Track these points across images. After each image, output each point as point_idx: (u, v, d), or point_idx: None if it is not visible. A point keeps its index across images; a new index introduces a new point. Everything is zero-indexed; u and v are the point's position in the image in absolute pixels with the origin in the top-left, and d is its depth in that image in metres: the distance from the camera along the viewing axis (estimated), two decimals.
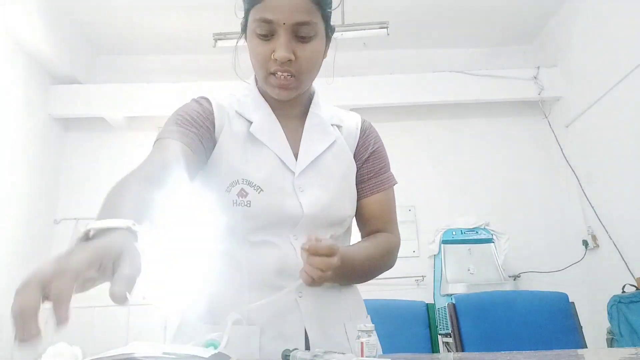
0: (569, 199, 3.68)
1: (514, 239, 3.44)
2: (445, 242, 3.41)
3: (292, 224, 0.86)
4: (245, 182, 0.84)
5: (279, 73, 0.84)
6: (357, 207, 0.99)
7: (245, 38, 0.91)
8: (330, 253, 0.73)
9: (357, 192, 0.99)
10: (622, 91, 3.04)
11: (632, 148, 2.96)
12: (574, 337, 1.88)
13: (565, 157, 3.67)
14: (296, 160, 0.90)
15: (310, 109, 0.98)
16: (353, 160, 0.99)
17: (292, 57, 0.82)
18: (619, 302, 2.72)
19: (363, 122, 1.05)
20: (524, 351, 0.83)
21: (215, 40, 3.06)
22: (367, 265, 0.93)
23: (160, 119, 2.91)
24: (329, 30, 0.93)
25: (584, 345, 1.89)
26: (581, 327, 1.93)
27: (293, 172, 0.88)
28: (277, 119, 0.93)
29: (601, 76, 3.24)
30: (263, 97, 0.94)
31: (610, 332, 2.76)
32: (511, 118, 4.03)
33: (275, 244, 0.85)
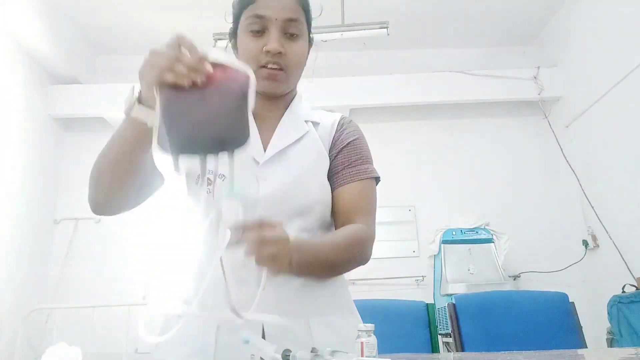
0: (569, 199, 3.67)
1: (514, 239, 3.44)
2: (445, 242, 3.41)
3: (252, 211, 0.86)
4: (210, 173, 0.83)
5: (270, 65, 0.90)
6: (332, 200, 0.97)
7: (235, 41, 0.97)
8: (260, 225, 0.71)
9: (332, 183, 0.98)
10: (622, 91, 3.04)
11: (632, 148, 2.96)
12: (574, 337, 1.88)
13: (565, 157, 3.67)
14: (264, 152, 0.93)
15: (288, 108, 1.01)
16: (325, 153, 0.99)
17: (282, 50, 0.90)
18: (619, 302, 2.72)
19: (342, 118, 1.06)
20: (524, 351, 0.83)
21: (215, 40, 3.06)
22: (333, 256, 0.88)
23: None
24: (310, 37, 1.00)
25: (584, 345, 1.89)
26: (581, 327, 1.94)
27: (258, 162, 0.91)
28: (258, 118, 0.93)
29: (601, 76, 3.24)
30: None
31: (610, 332, 2.76)
32: (511, 118, 4.03)
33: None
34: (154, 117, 0.65)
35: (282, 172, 0.91)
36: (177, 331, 0.82)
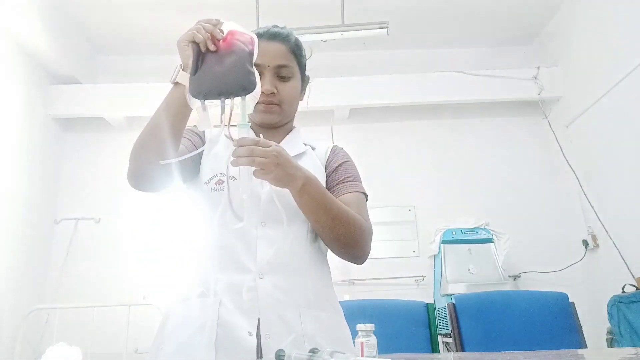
0: (569, 199, 3.67)
1: (514, 239, 3.44)
2: (445, 242, 3.41)
3: (256, 208, 1.00)
4: (222, 175, 1.03)
5: (265, 104, 1.07)
6: None
7: None
8: (256, 142, 0.86)
9: None
10: (622, 91, 3.04)
11: (632, 148, 2.96)
12: (574, 337, 1.88)
13: (565, 157, 3.67)
14: None
15: (287, 136, 1.17)
16: (322, 169, 1.14)
17: (275, 91, 1.07)
18: (619, 302, 2.72)
19: (334, 146, 1.22)
20: (524, 351, 0.83)
21: None
22: (337, 207, 0.99)
23: None
24: (304, 77, 1.17)
25: (584, 345, 1.89)
26: (581, 327, 1.94)
27: None
28: None
29: (601, 76, 3.24)
30: (252, 128, 1.14)
31: (610, 332, 2.76)
32: (511, 118, 4.03)
33: (242, 228, 0.95)
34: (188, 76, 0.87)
35: None
36: (180, 316, 0.97)
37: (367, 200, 1.12)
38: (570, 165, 3.61)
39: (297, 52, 1.12)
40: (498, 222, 3.52)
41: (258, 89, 0.88)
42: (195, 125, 1.10)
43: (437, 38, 4.06)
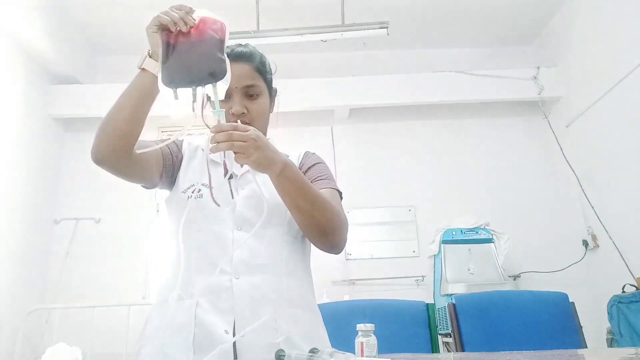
0: (569, 199, 3.67)
1: (514, 239, 3.44)
2: (445, 242, 3.41)
3: (231, 213, 1.05)
4: (201, 184, 1.06)
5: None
6: None
7: None
8: (234, 127, 0.88)
9: None
10: (622, 91, 3.04)
11: (632, 148, 2.96)
12: (574, 337, 1.88)
13: (565, 157, 3.67)
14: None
15: None
16: None
17: (245, 111, 1.10)
18: (619, 302, 2.72)
19: (307, 151, 1.25)
20: (524, 351, 0.83)
21: None
22: (315, 192, 1.01)
23: (160, 119, 2.91)
24: (272, 91, 1.20)
25: (584, 345, 1.89)
26: (581, 327, 1.93)
27: (237, 175, 1.12)
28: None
29: (601, 76, 3.24)
30: None
31: (610, 332, 2.76)
32: (511, 118, 4.03)
33: (218, 232, 1.03)
34: (159, 65, 0.89)
35: (254, 182, 1.02)
36: (159, 318, 1.01)
37: (341, 198, 1.14)
38: (570, 165, 3.61)
39: (262, 69, 1.14)
40: (498, 222, 3.52)
41: (228, 75, 0.89)
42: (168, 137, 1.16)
43: (437, 38, 4.06)
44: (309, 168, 1.17)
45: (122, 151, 0.96)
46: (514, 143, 3.98)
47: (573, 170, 3.58)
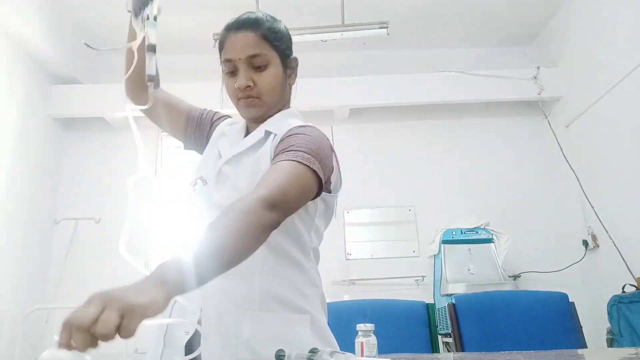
0: (569, 199, 3.67)
1: (514, 239, 3.44)
2: (445, 242, 3.41)
3: (212, 208, 1.00)
4: (199, 178, 1.06)
5: (243, 99, 1.04)
6: None
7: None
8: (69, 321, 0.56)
9: None
10: (622, 91, 3.04)
11: (632, 148, 2.96)
12: (574, 337, 1.88)
13: (565, 157, 3.67)
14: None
15: (263, 123, 1.09)
16: (269, 154, 1.00)
17: (251, 84, 1.02)
18: (619, 302, 2.72)
19: (296, 127, 1.02)
20: (524, 351, 0.83)
21: (215, 40, 3.05)
22: (223, 244, 0.77)
23: None
24: (287, 60, 1.09)
25: (584, 345, 1.89)
26: (581, 327, 1.94)
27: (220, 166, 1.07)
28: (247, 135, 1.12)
29: (601, 76, 3.24)
30: (247, 123, 1.15)
31: (610, 332, 2.76)
32: (511, 118, 4.03)
33: (198, 229, 0.98)
34: None
35: (235, 175, 1.02)
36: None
37: (315, 176, 0.91)
38: (570, 165, 3.61)
39: (270, 36, 1.03)
40: (498, 222, 3.52)
41: None
42: (223, 116, 1.22)
43: (437, 38, 4.06)
44: (282, 141, 0.98)
45: (135, 87, 1.11)
46: (514, 143, 3.98)
47: (573, 170, 3.58)
